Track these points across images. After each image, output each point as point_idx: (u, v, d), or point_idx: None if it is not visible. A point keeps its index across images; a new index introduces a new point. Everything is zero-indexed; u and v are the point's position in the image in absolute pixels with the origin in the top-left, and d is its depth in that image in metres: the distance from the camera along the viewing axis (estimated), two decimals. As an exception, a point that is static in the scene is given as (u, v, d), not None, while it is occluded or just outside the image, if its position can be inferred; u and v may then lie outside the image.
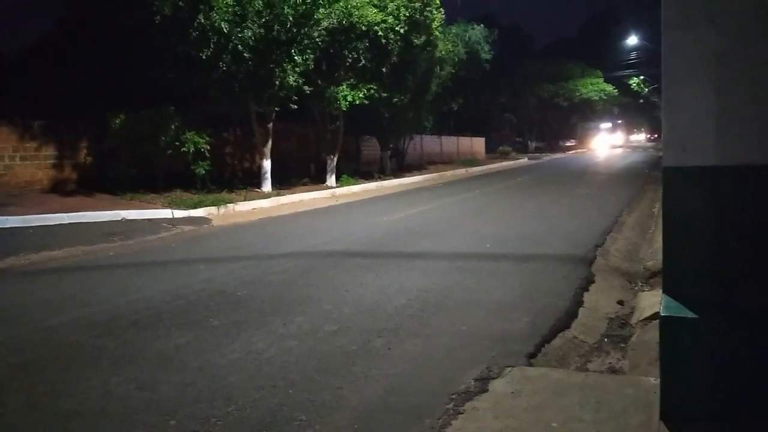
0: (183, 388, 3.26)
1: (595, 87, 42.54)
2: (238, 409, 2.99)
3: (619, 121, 57.92)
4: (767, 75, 2.52)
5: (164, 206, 11.52)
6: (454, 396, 3.08)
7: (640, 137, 70.95)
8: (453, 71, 21.36)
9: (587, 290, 5.29)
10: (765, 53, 2.52)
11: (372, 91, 15.84)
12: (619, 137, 58.39)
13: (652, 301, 4.67)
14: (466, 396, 3.07)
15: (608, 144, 53.82)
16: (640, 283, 5.80)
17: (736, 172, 2.58)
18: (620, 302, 5.14)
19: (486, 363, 3.50)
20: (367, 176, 19.54)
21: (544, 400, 2.96)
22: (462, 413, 2.88)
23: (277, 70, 13.23)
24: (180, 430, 2.81)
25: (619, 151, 46.98)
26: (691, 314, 2.56)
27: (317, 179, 17.45)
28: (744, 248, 2.55)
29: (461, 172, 24.53)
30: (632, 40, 38.99)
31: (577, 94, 41.82)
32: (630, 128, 66.10)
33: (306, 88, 14.04)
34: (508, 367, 3.42)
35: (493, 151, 37.42)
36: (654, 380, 3.03)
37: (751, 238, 2.55)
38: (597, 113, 48.85)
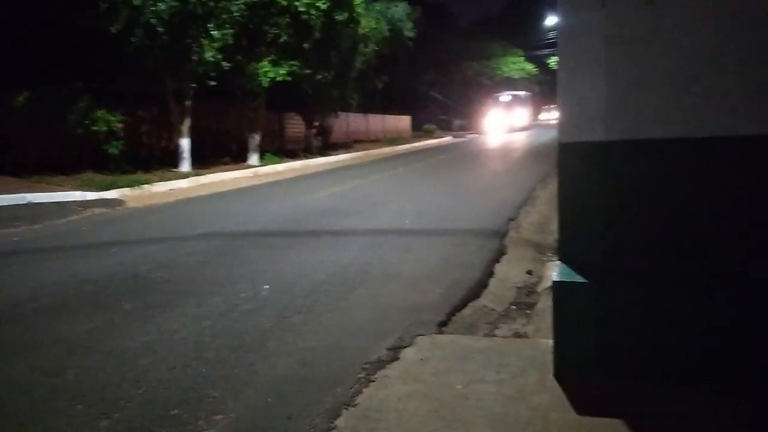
0: (91, 373, 3.19)
1: (516, 66, 43.79)
2: (148, 390, 2.96)
3: (522, 93, 42.41)
4: (649, 57, 2.70)
5: (74, 188, 10.99)
6: (366, 365, 3.18)
7: (552, 115, 60.01)
8: (377, 49, 21.39)
9: (498, 262, 5.52)
10: (647, 37, 2.70)
11: (294, 68, 15.62)
12: (523, 114, 40.49)
13: (558, 269, 4.94)
14: (378, 365, 3.17)
15: (506, 124, 37.28)
16: (549, 254, 6.10)
17: (622, 147, 2.77)
18: (529, 272, 5.40)
19: (399, 333, 3.62)
20: (292, 155, 19.34)
21: (450, 365, 3.11)
22: (373, 381, 2.98)
23: (193, 45, 12.82)
24: (87, 414, 2.75)
25: (525, 134, 33.73)
26: (579, 279, 2.76)
27: (239, 158, 17.10)
28: (628, 216, 2.76)
29: (387, 150, 24.69)
30: (552, 20, 40.30)
31: (499, 72, 42.89)
32: (540, 104, 50.79)
33: (225, 64, 13.65)
34: (420, 335, 3.55)
35: (419, 129, 37.84)
36: (551, 342, 3.24)
37: (634, 208, 2.76)
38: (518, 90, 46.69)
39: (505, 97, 41.32)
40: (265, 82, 15.09)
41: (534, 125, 42.52)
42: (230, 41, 13.63)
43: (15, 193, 10.11)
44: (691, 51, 2.61)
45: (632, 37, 2.72)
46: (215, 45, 13.09)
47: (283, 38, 15.23)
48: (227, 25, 13.29)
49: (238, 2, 13.25)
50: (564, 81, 2.90)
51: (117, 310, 4.23)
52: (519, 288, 4.93)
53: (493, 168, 15.11)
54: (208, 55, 12.97)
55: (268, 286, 4.73)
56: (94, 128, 12.57)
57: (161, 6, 11.98)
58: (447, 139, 33.83)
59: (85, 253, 6.37)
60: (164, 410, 2.76)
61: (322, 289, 4.63)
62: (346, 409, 2.70)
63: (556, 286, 2.79)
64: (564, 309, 2.77)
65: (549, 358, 2.95)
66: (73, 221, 8.54)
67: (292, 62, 15.58)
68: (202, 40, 12.82)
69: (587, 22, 2.80)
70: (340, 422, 2.58)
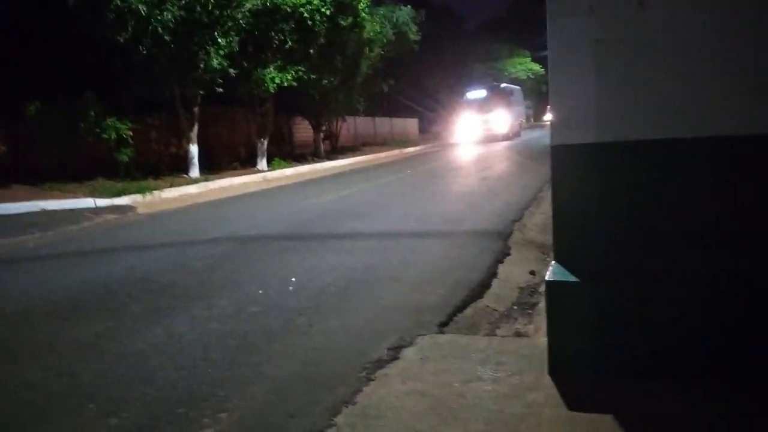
0: (102, 373, 3.30)
1: (523, 66, 43.82)
2: (157, 390, 3.07)
3: (505, 86, 30.89)
4: (638, 60, 2.78)
5: (86, 195, 11.18)
6: (368, 365, 3.26)
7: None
8: (382, 52, 21.50)
9: (502, 263, 5.59)
10: (636, 39, 2.77)
11: (300, 73, 15.79)
12: (506, 117, 28.27)
13: (560, 269, 5.00)
14: (378, 364, 3.26)
15: (483, 131, 27.17)
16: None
17: (613, 148, 2.84)
18: (532, 272, 5.46)
19: (400, 333, 3.70)
20: (301, 159, 19.49)
21: (449, 364, 3.19)
22: (373, 380, 3.06)
23: (200, 52, 12.98)
24: (98, 413, 2.86)
25: (505, 144, 24.79)
26: (572, 278, 2.83)
27: (248, 163, 17.28)
28: (621, 217, 2.83)
29: (395, 153, 24.80)
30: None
31: (506, 73, 42.93)
32: (546, 103, 35.60)
33: (231, 70, 13.84)
34: (420, 335, 3.64)
35: (426, 132, 37.91)
36: (548, 340, 3.31)
37: (626, 207, 2.83)
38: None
39: (478, 92, 28.73)
40: (271, 87, 15.26)
41: (535, 127, 34.62)
42: (236, 48, 13.82)
43: (29, 201, 10.30)
44: (679, 52, 2.68)
45: (621, 39, 2.79)
46: (221, 52, 13.27)
47: (289, 44, 15.38)
48: (233, 33, 13.47)
49: (242, 10, 13.41)
50: (555, 84, 2.96)
51: (127, 314, 4.35)
52: (522, 288, 4.99)
53: (499, 168, 15.16)
54: (215, 62, 13.16)
55: (274, 290, 4.84)
56: (105, 136, 12.79)
57: (167, 15, 12.16)
58: (455, 140, 33.83)
59: (96, 258, 6.51)
60: (171, 409, 2.87)
61: (328, 292, 4.73)
62: (345, 407, 2.79)
63: (549, 285, 2.87)
64: (557, 308, 2.84)
65: (546, 357, 3.02)
66: (85, 227, 8.72)
67: (298, 67, 15.75)
68: (208, 47, 13.00)
69: (576, 27, 2.87)
70: (339, 420, 2.67)
